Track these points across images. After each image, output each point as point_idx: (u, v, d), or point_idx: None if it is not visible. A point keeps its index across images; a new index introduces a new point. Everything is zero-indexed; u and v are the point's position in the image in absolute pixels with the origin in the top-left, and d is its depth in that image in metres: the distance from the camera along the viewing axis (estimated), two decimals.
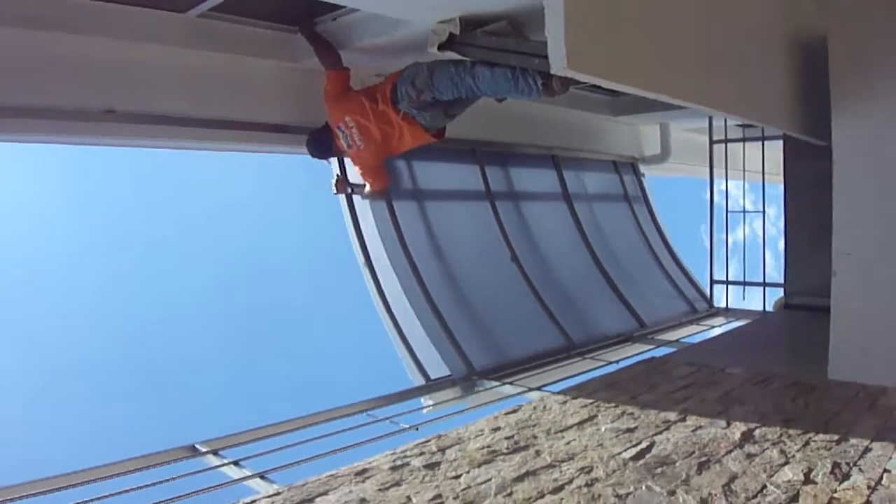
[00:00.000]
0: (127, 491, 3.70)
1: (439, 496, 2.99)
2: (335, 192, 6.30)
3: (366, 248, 6.33)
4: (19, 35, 4.44)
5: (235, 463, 4.09)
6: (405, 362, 6.12)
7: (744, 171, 9.25)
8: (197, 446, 4.39)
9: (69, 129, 4.83)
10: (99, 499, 3.56)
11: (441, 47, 4.56)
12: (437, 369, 6.08)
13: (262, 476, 3.84)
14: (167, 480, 3.87)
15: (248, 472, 3.91)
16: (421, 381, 5.83)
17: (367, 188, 6.22)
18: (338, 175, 6.24)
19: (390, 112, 5.25)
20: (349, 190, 6.28)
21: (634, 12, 3.41)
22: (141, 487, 3.76)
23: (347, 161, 6.21)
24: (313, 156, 5.97)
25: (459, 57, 4.63)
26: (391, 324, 6.28)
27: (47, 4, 4.44)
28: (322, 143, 5.80)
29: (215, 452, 4.30)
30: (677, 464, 3.32)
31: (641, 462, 3.36)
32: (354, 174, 6.28)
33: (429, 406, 5.40)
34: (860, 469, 3.20)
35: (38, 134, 4.81)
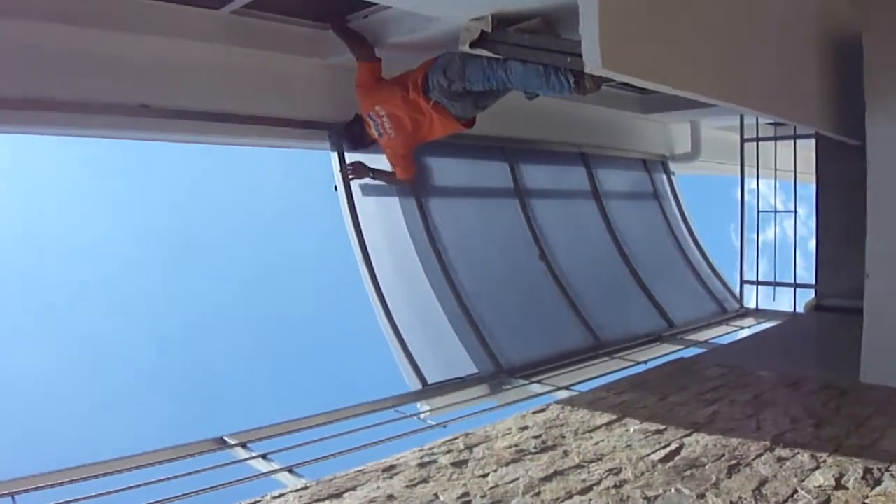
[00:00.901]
0: (155, 482, 3.74)
1: (467, 494, 2.99)
2: (352, 177, 6.16)
3: (365, 246, 6.17)
4: (56, 30, 4.51)
5: (263, 456, 4.12)
6: (400, 364, 5.97)
7: (775, 169, 9.17)
8: (226, 439, 4.42)
9: (104, 123, 4.90)
10: (129, 488, 3.62)
11: (473, 45, 4.55)
12: (448, 370, 6.03)
13: (290, 470, 3.87)
14: (196, 472, 3.90)
15: (276, 466, 3.94)
16: (417, 384, 5.75)
17: (395, 175, 6.14)
18: (356, 162, 6.10)
19: (421, 101, 5.25)
20: (370, 175, 6.14)
21: (668, 11, 3.39)
22: (170, 478, 3.80)
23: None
24: (347, 149, 6.03)
25: (491, 54, 4.62)
26: (388, 325, 6.09)
27: (83, 1, 4.48)
28: (355, 135, 5.84)
29: (244, 445, 4.33)
30: (707, 467, 3.30)
31: (670, 464, 3.34)
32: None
33: (426, 412, 5.32)
34: (892, 475, 3.16)
35: (73, 128, 4.89)
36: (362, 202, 6.24)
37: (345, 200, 6.18)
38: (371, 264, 6.14)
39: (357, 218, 6.17)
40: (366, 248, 6.15)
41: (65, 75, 4.64)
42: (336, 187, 6.20)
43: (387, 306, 6.06)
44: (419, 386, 5.73)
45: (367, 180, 6.20)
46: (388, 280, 6.21)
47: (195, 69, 5.25)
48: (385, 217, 6.46)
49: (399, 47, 5.37)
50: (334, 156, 6.15)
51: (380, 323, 6.14)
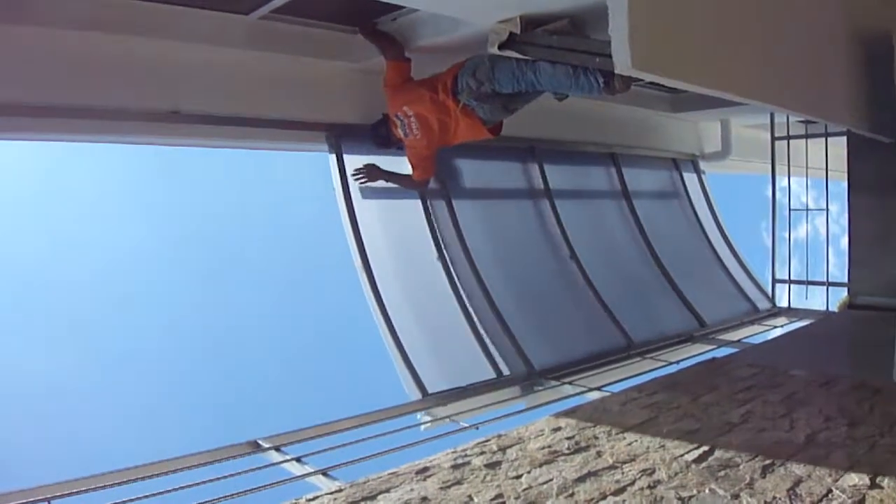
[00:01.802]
0: (190, 486, 3.76)
1: (500, 496, 3.00)
2: (365, 180, 6.09)
3: (364, 251, 6.01)
4: (85, 38, 4.58)
5: (297, 459, 4.14)
6: (400, 373, 5.76)
7: (806, 167, 9.09)
8: (259, 442, 4.45)
9: (135, 129, 4.98)
10: (163, 493, 3.65)
11: (501, 47, 4.56)
12: (480, 372, 5.99)
13: (324, 473, 3.89)
14: (230, 476, 3.93)
15: (310, 469, 3.96)
16: (417, 395, 5.57)
17: (410, 178, 6.12)
18: (370, 164, 6.07)
19: (450, 103, 5.27)
20: (385, 178, 6.14)
21: (697, 11, 3.38)
22: (204, 482, 3.82)
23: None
24: (376, 147, 6.05)
25: (520, 56, 4.63)
26: (387, 332, 5.86)
27: (114, 8, 4.54)
28: (381, 136, 5.88)
29: (277, 449, 4.36)
30: (741, 467, 3.28)
31: (704, 464, 3.33)
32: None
33: (426, 423, 5.19)
34: None
35: (104, 134, 4.96)
36: (363, 205, 6.19)
37: (343, 203, 6.09)
38: (370, 269, 6.02)
39: (356, 222, 6.07)
40: (365, 254, 6.03)
41: (94, 82, 4.71)
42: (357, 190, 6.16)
43: (386, 313, 5.93)
44: (418, 394, 5.62)
45: (381, 183, 6.18)
46: (390, 285, 6.08)
47: (225, 74, 5.30)
48: (387, 220, 6.40)
49: (427, 50, 5.39)
50: (332, 158, 6.11)
51: (379, 330, 5.97)
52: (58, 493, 3.61)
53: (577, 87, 4.59)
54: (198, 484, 3.79)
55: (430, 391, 5.55)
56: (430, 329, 6.09)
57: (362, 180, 6.08)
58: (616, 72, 2.98)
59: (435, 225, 6.49)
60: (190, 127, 5.16)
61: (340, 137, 6.05)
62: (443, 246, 6.43)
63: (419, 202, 6.50)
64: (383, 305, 5.89)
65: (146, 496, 3.60)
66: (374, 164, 6.06)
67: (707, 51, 3.47)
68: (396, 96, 5.53)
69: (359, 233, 6.02)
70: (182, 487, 3.75)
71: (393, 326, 5.83)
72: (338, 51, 5.66)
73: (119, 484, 3.78)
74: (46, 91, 4.49)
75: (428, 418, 5.26)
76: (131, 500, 3.55)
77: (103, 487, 3.74)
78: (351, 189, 6.07)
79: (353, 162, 6.09)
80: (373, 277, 5.94)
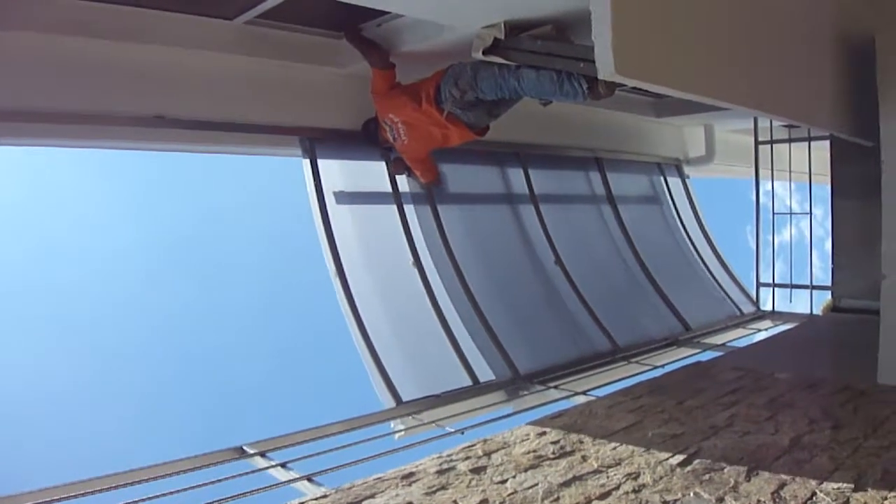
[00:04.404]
0: (175, 492, 3.75)
1: (486, 500, 3.01)
2: (392, 172, 6.32)
3: (338, 256, 5.93)
4: (72, 42, 4.56)
5: (283, 465, 4.13)
6: (373, 380, 5.69)
7: (790, 172, 9.13)
8: (244, 448, 4.43)
9: (119, 134, 4.94)
10: (148, 499, 3.61)
11: (486, 52, 4.57)
12: (463, 378, 5.98)
13: (309, 478, 3.87)
14: (215, 482, 3.91)
15: (295, 475, 3.94)
16: (391, 403, 5.50)
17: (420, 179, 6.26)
18: (396, 157, 6.19)
19: (434, 112, 5.28)
20: (406, 172, 6.29)
21: (680, 15, 3.39)
22: (189, 488, 3.81)
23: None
24: (364, 143, 6.13)
25: (504, 62, 4.64)
26: (361, 338, 5.78)
27: (99, 12, 4.52)
28: (370, 132, 5.96)
29: (263, 454, 4.34)
30: (725, 470, 3.30)
31: (689, 468, 3.35)
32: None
33: (400, 431, 5.16)
34: None
35: (88, 139, 4.92)
36: (336, 210, 6.12)
37: (317, 208, 6.00)
38: (344, 275, 5.94)
39: (330, 227, 6.00)
40: (339, 260, 5.94)
41: (79, 87, 4.69)
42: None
43: (360, 319, 5.84)
44: (392, 402, 5.54)
45: (404, 177, 6.36)
46: (365, 292, 6.03)
47: (210, 79, 5.29)
48: (361, 225, 6.34)
49: (412, 56, 5.39)
50: (306, 162, 6.04)
51: (352, 336, 5.89)
52: (42, 500, 3.58)
53: (562, 93, 4.60)
54: (182, 490, 3.77)
55: (411, 397, 5.54)
56: (409, 335, 6.09)
57: (393, 172, 6.31)
58: (600, 77, 2.99)
59: (411, 231, 6.46)
60: (174, 132, 5.13)
61: (315, 142, 6.00)
62: (417, 252, 6.42)
63: (395, 207, 6.47)
64: (357, 312, 5.85)
65: (131, 502, 3.57)
66: (400, 158, 6.12)
67: (690, 56, 3.48)
68: (383, 103, 5.56)
69: (333, 238, 5.98)
70: (166, 494, 3.73)
71: (367, 334, 5.79)
72: (322, 56, 5.65)
73: (102, 490, 3.75)
74: (30, 96, 4.46)
75: (402, 426, 5.23)
76: None
77: (88, 493, 3.71)
78: (325, 195, 6.02)
79: (328, 167, 6.07)
80: (347, 284, 5.89)
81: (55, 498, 3.62)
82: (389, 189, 6.43)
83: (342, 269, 5.92)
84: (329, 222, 5.98)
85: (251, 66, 5.44)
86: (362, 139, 6.06)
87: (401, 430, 5.16)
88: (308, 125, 5.95)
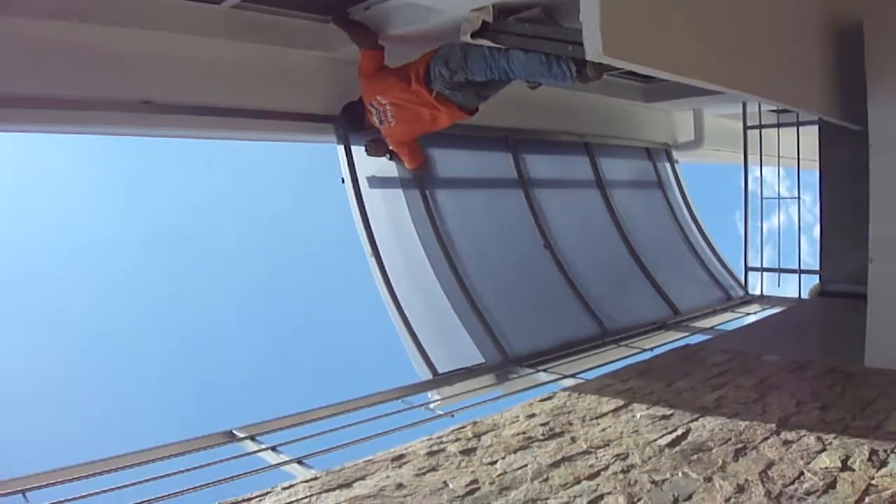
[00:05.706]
0: (165, 476, 3.75)
1: (475, 481, 3.02)
2: (369, 153, 6.19)
3: (373, 237, 6.13)
4: (55, 27, 4.51)
5: (273, 448, 4.14)
6: (411, 354, 5.94)
7: (778, 156, 9.13)
8: (234, 432, 4.44)
9: (105, 119, 4.91)
10: (137, 483, 3.62)
11: (474, 35, 4.56)
12: (457, 360, 6.00)
13: (299, 461, 3.88)
14: (205, 465, 3.91)
15: (285, 458, 3.95)
16: (427, 374, 5.72)
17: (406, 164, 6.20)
18: (374, 137, 6.10)
19: (423, 92, 5.27)
20: (388, 155, 6.22)
21: None
22: (179, 472, 3.81)
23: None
24: (345, 129, 6.06)
25: (493, 45, 4.63)
26: (398, 315, 6.07)
27: None
28: (354, 116, 5.83)
29: (253, 438, 4.35)
30: (713, 450, 3.32)
31: (677, 449, 3.37)
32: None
33: (436, 401, 5.28)
34: None
35: (74, 125, 4.89)
36: (369, 194, 6.22)
37: (352, 193, 6.16)
38: (380, 256, 6.11)
39: (365, 210, 6.15)
40: (374, 241, 6.12)
41: (64, 72, 4.65)
42: (343, 180, 6.17)
43: (396, 297, 6.04)
44: (430, 376, 5.71)
45: (384, 159, 6.27)
46: (397, 271, 6.19)
47: (197, 64, 5.25)
48: (391, 208, 6.43)
49: (400, 39, 5.36)
50: (341, 148, 6.16)
51: (390, 314, 6.12)
52: (31, 486, 3.58)
53: (550, 76, 4.60)
54: (173, 474, 3.77)
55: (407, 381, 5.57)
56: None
57: (368, 153, 6.20)
58: (588, 58, 2.99)
59: (410, 214, 6.47)
60: (161, 117, 5.11)
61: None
62: (417, 235, 6.43)
63: (399, 191, 6.53)
64: (395, 296, 6.07)
65: (121, 486, 3.58)
66: (380, 139, 6.07)
67: (679, 38, 3.49)
68: (370, 85, 5.52)
69: (367, 221, 6.15)
70: (157, 477, 3.74)
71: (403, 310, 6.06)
72: (311, 40, 5.62)
73: (93, 475, 3.75)
74: (15, 81, 4.43)
75: (437, 397, 5.37)
76: (106, 491, 3.54)
77: (78, 479, 3.71)
78: (360, 178, 6.21)
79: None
80: (383, 266, 6.11)
81: (44, 483, 3.62)
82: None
83: (377, 250, 6.14)
84: (364, 206, 6.17)
85: (246, 51, 5.40)
86: (343, 123, 6.00)
87: (436, 400, 5.30)
88: (302, 111, 5.94)
